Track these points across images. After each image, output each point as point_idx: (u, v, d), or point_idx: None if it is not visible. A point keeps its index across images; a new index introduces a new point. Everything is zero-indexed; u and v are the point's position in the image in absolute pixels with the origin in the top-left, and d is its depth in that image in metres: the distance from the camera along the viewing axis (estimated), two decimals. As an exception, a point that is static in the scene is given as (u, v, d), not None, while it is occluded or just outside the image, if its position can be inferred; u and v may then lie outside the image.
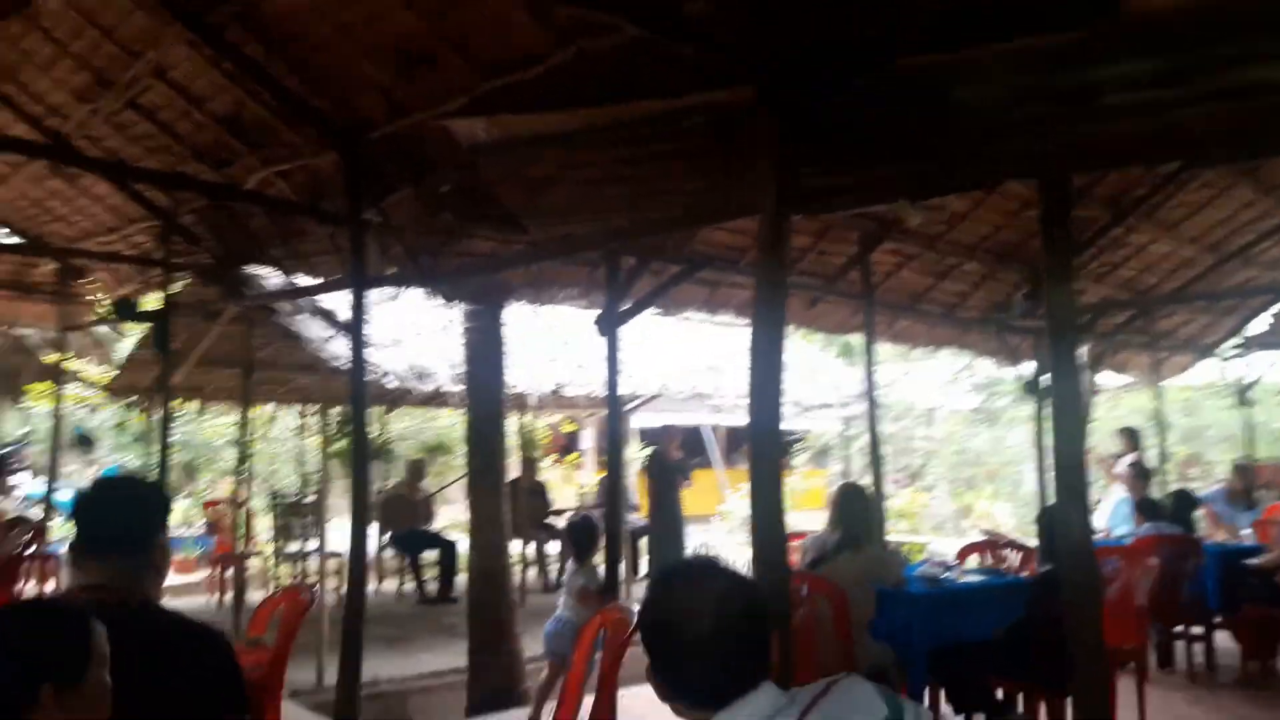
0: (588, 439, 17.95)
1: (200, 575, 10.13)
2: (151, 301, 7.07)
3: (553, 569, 10.02)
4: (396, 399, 10.53)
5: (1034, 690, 4.33)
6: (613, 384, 5.62)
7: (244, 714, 2.15)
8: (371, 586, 9.59)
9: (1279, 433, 15.76)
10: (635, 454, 12.59)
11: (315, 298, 6.12)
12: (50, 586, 6.97)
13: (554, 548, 10.12)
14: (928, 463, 17.70)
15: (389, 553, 9.74)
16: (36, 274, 7.80)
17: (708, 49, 3.55)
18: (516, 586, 9.12)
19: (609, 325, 5.56)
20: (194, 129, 5.46)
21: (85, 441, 14.86)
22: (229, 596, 8.41)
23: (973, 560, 5.67)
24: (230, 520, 9.56)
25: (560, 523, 9.81)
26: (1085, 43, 3.05)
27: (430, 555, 9.51)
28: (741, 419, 3.53)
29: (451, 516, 11.63)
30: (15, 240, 7.24)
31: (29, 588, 6.90)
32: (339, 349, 7.27)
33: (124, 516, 2.11)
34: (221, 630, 2.17)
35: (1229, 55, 3.11)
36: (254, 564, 9.65)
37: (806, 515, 9.53)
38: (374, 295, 9.14)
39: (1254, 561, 5.84)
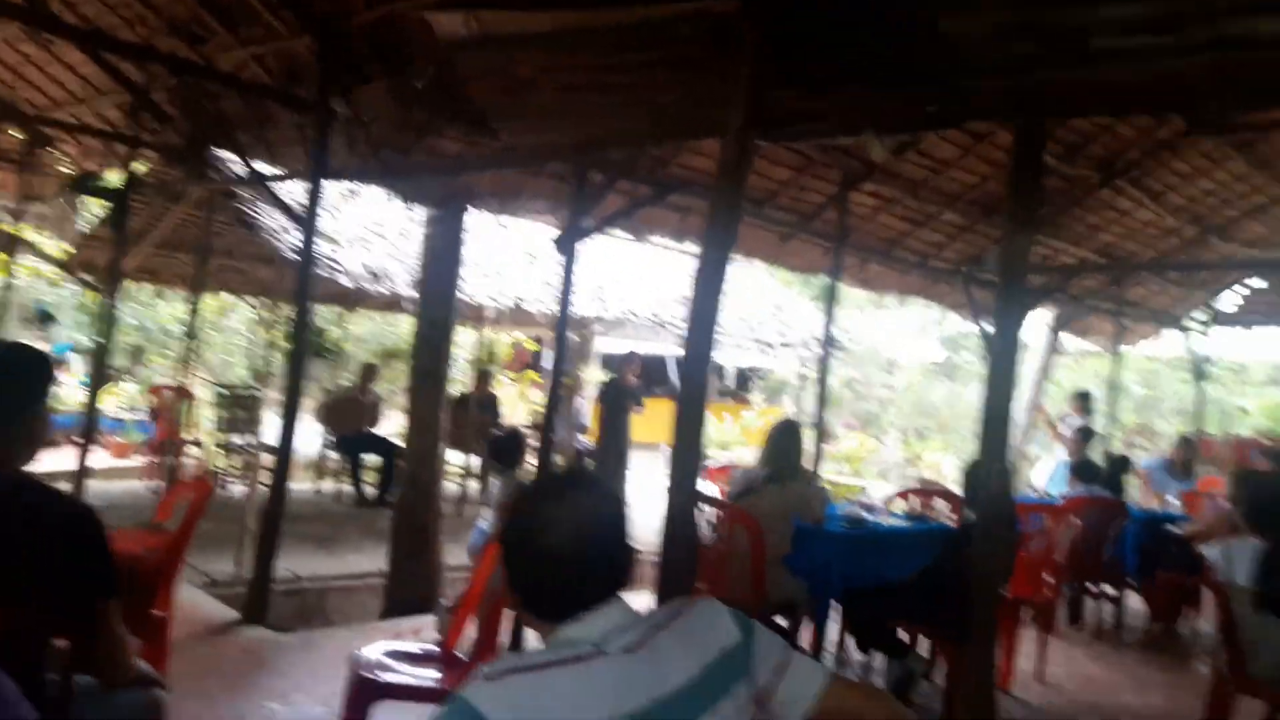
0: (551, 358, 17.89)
1: (140, 460, 10.04)
2: (114, 178, 6.90)
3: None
4: (353, 300, 10.39)
5: (937, 636, 4.41)
6: (565, 301, 5.54)
7: (113, 595, 2.10)
8: (312, 486, 9.58)
9: (1231, 410, 16.10)
10: (596, 377, 12.54)
11: (277, 188, 6.01)
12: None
13: (495, 461, 10.10)
14: (884, 410, 17.89)
15: (333, 453, 9.68)
16: (2, 140, 7.57)
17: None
18: (456, 497, 9.15)
19: (569, 241, 5.45)
20: (171, 2, 5.37)
21: (46, 318, 14.60)
22: (165, 484, 8.34)
23: (899, 505, 5.71)
24: (175, 408, 9.48)
25: (504, 437, 9.77)
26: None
27: (373, 459, 9.48)
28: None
29: (400, 422, 11.57)
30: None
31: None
32: (297, 242, 7.13)
33: None
34: (94, 509, 2.11)
35: (1226, 3, 3.02)
36: (194, 453, 9.56)
37: (754, 451, 9.56)
38: (334, 190, 9.07)
39: (1176, 529, 5.95)
